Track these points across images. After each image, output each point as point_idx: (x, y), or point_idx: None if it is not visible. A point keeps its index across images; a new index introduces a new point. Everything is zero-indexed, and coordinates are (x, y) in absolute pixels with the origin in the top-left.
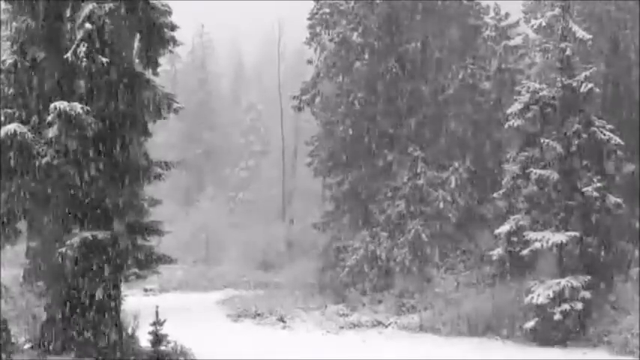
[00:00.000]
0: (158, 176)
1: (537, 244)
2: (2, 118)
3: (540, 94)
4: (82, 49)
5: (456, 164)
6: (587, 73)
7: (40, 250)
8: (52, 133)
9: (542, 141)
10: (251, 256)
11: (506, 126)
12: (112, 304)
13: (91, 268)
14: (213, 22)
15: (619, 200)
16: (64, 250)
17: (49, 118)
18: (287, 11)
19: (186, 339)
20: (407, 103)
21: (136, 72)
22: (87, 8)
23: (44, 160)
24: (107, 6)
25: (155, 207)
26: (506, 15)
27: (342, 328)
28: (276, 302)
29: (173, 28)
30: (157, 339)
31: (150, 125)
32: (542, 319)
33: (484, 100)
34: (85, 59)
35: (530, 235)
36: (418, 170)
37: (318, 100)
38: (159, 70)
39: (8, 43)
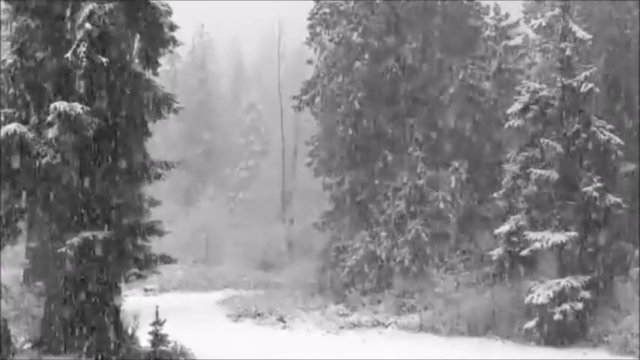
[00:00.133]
0: (158, 176)
1: (537, 244)
2: (2, 118)
3: (540, 94)
4: (82, 49)
5: (456, 164)
6: (587, 73)
7: (40, 250)
8: (52, 133)
9: (542, 141)
10: (251, 256)
11: (506, 126)
12: (112, 304)
13: (91, 268)
14: (213, 22)
15: (619, 200)
16: (64, 250)
17: (49, 118)
18: (287, 11)
19: (186, 339)
20: (407, 103)
21: (136, 72)
22: (87, 8)
23: (44, 160)
24: (107, 6)
25: (155, 207)
26: (506, 15)
27: (342, 328)
28: (276, 302)
29: (173, 28)
30: (157, 339)
31: (150, 125)
32: (542, 319)
33: (484, 100)
34: (85, 59)
35: (530, 235)
36: (418, 170)
37: (318, 100)
38: (159, 70)
39: (8, 43)
